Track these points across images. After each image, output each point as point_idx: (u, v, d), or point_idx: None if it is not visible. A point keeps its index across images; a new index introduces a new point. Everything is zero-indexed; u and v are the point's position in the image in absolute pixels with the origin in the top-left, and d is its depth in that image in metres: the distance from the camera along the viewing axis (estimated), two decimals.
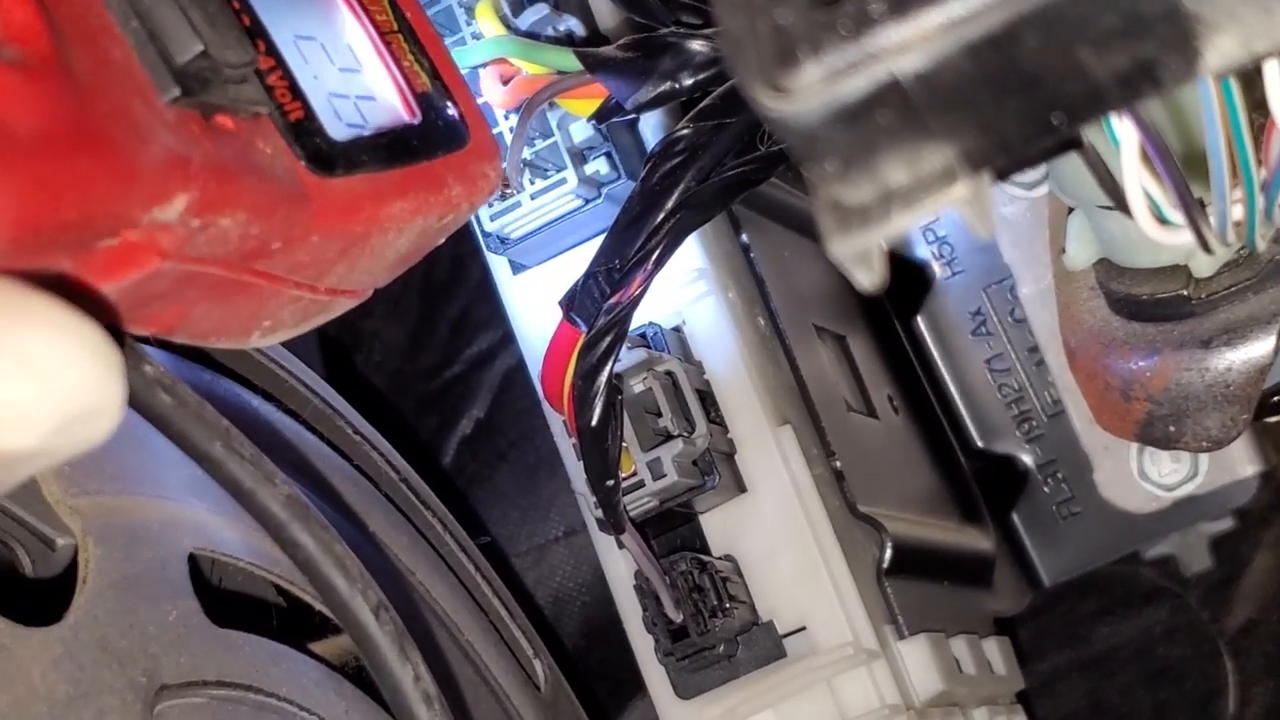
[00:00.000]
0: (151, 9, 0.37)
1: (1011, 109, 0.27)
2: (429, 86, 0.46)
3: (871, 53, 0.27)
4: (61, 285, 0.35)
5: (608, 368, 0.54)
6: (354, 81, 0.43)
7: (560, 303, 0.55)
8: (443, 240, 0.45)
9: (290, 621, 0.57)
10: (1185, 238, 0.37)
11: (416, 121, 0.44)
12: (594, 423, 0.54)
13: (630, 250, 0.53)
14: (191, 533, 0.52)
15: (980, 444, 0.74)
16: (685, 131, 0.54)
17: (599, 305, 0.54)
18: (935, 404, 0.73)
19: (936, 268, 0.74)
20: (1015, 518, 0.73)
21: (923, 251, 0.74)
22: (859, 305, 0.72)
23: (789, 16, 0.27)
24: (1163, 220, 0.37)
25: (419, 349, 0.82)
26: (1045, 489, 0.73)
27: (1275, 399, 0.54)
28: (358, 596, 0.44)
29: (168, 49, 0.37)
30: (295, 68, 0.41)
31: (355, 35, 0.45)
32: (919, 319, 0.74)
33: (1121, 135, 0.35)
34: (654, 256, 0.53)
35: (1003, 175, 0.32)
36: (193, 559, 0.52)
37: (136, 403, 0.40)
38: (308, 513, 0.43)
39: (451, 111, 0.46)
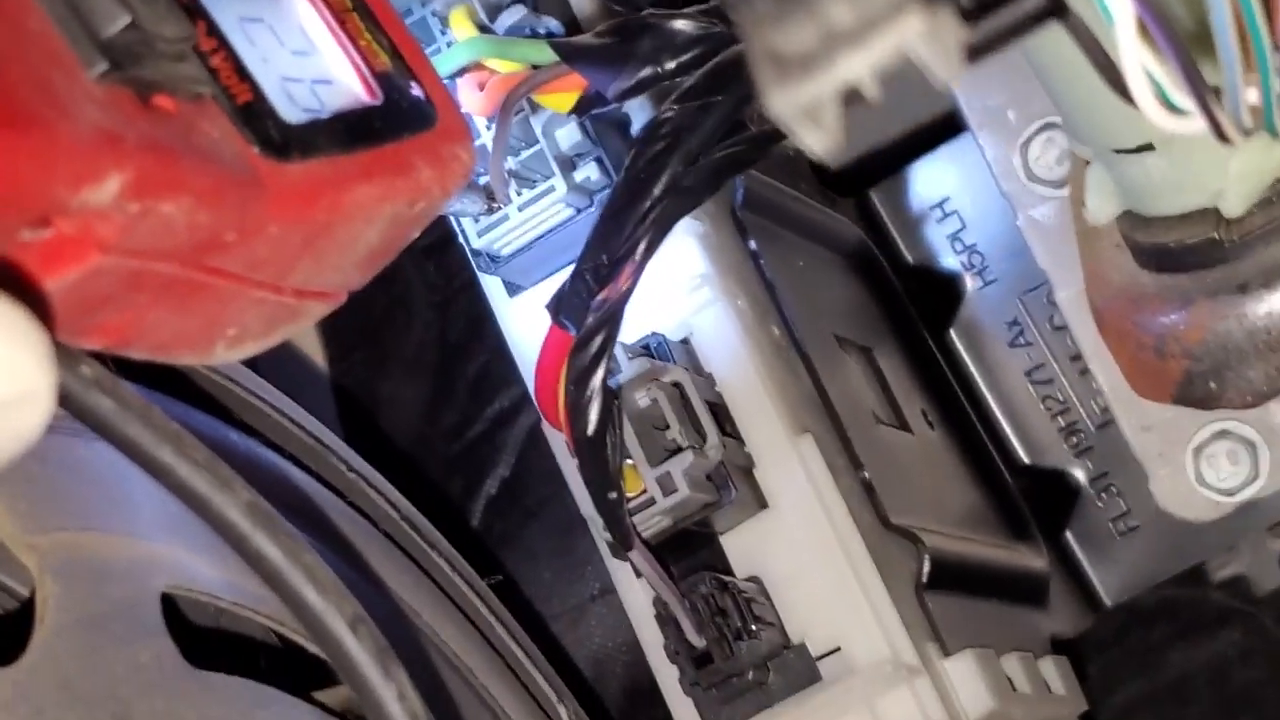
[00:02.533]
0: None
1: None
2: (389, 66, 0.43)
3: None
4: None
5: (601, 369, 0.50)
6: (308, 64, 0.41)
7: (547, 307, 0.51)
8: (417, 233, 0.42)
9: (293, 669, 0.53)
10: (1196, 125, 0.33)
11: (378, 103, 0.41)
12: (590, 430, 0.50)
13: (617, 243, 0.50)
14: (167, 571, 0.49)
15: (1026, 460, 0.69)
16: (669, 114, 0.50)
17: (588, 304, 0.50)
18: (975, 420, 0.69)
19: (967, 279, 0.70)
20: (1069, 535, 0.68)
21: (951, 262, 0.70)
22: (886, 317, 0.68)
23: None
24: (1170, 107, 0.33)
25: (439, 410, 0.78)
26: (1099, 504, 0.68)
27: None
28: (331, 609, 0.41)
29: (91, 20, 0.34)
30: (241, 50, 0.38)
31: (307, 16, 0.42)
32: (952, 332, 0.70)
33: (1114, 6, 0.31)
34: (641, 247, 0.50)
35: (973, 54, 0.28)
36: (169, 599, 0.49)
37: (73, 405, 0.37)
38: (272, 521, 0.40)
39: (416, 92, 0.43)
